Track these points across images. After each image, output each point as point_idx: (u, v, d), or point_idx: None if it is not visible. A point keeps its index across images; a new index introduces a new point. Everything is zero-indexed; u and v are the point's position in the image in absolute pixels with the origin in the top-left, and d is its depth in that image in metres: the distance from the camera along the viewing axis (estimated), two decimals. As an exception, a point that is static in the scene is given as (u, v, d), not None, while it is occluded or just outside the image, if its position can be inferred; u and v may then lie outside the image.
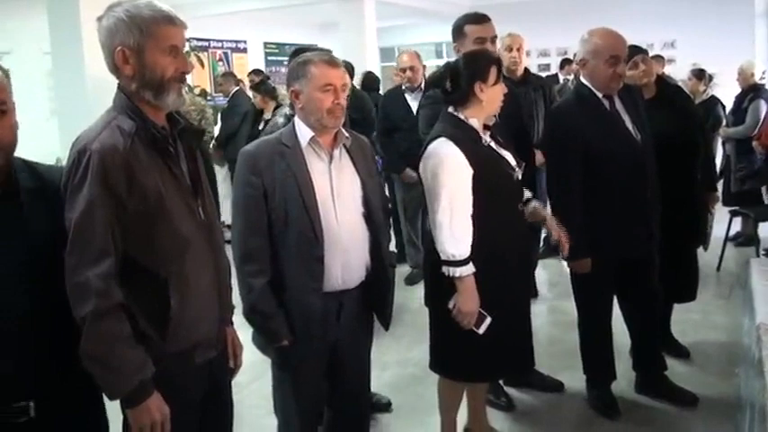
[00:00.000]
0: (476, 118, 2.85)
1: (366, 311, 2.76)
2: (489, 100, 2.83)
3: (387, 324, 2.85)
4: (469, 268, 2.75)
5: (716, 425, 3.45)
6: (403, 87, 5.86)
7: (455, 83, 2.86)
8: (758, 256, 5.80)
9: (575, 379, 3.88)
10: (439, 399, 3.24)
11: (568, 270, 3.53)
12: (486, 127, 2.90)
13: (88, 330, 1.81)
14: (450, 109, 2.89)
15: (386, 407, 3.85)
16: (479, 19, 3.55)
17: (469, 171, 2.75)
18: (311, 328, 2.55)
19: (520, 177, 2.92)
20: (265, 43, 15.30)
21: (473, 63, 2.86)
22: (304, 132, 2.56)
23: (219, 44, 14.08)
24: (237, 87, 8.63)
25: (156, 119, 2.01)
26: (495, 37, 3.58)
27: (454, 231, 2.74)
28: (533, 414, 3.72)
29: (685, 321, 4.59)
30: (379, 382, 4.05)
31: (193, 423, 2.12)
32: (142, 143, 1.93)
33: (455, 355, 2.97)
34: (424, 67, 5.96)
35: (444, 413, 3.24)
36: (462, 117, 2.85)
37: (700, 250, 4.21)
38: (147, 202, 1.91)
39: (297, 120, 2.61)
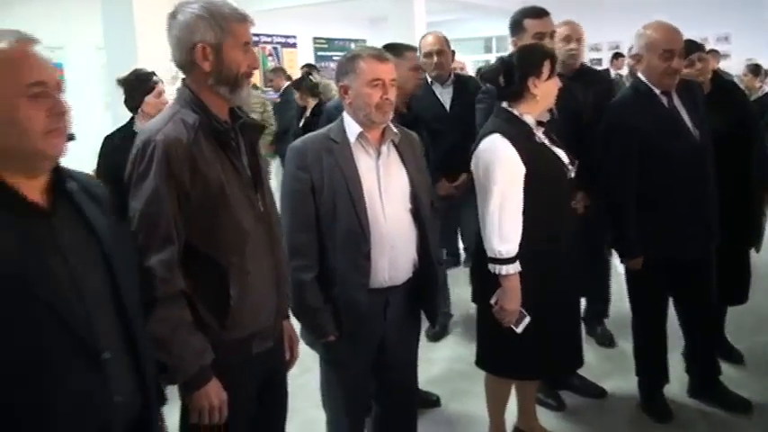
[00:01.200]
0: (530, 114, 2.80)
1: (413, 308, 2.76)
2: (543, 95, 2.79)
3: (434, 321, 2.85)
4: (515, 266, 2.72)
5: (771, 432, 3.36)
6: (429, 79, 4.57)
7: (508, 78, 2.82)
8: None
9: (626, 381, 3.82)
10: (486, 396, 3.23)
11: (622, 269, 3.46)
12: (539, 123, 2.86)
13: (153, 315, 1.87)
14: (504, 104, 2.85)
15: (434, 402, 3.85)
16: (539, 13, 3.50)
17: (522, 169, 2.71)
18: (358, 324, 2.56)
19: (573, 176, 2.87)
20: (315, 38, 15.38)
21: (527, 58, 2.82)
22: (353, 128, 2.56)
23: (269, 39, 14.19)
24: (288, 82, 8.69)
25: (220, 113, 2.06)
26: (554, 32, 3.54)
27: (503, 229, 2.71)
28: (583, 416, 3.67)
29: (739, 325, 4.46)
30: (427, 378, 4.06)
31: (249, 412, 2.16)
32: (205, 136, 1.99)
33: (501, 352, 2.96)
34: (453, 53, 4.92)
35: (492, 410, 3.22)
36: (516, 113, 2.81)
37: (755, 251, 4.11)
38: (209, 194, 1.96)
39: (345, 115, 2.61)
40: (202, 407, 1.98)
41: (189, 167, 1.93)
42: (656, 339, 3.59)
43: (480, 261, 2.86)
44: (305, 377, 2.66)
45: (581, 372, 3.56)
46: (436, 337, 4.68)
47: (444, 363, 4.40)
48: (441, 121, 4.35)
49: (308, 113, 6.93)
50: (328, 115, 3.98)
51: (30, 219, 1.44)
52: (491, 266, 2.75)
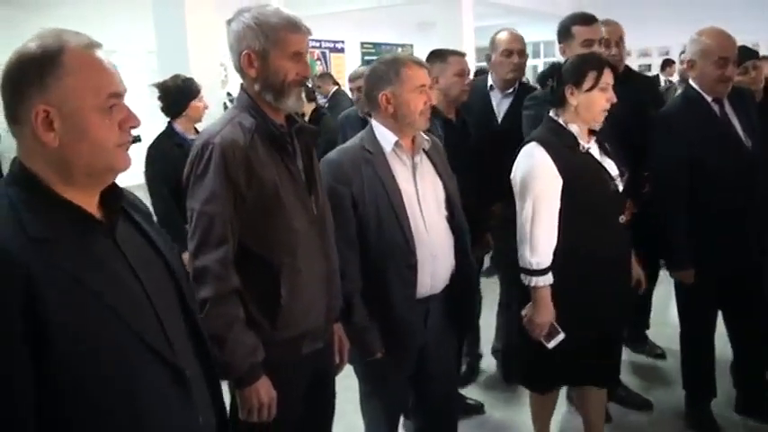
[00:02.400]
0: (575, 123, 2.71)
1: (452, 314, 2.73)
2: (584, 106, 2.67)
3: (471, 327, 2.83)
4: (546, 279, 2.66)
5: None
6: (489, 83, 4.03)
7: (558, 83, 2.75)
8: None
9: (672, 394, 3.77)
10: (531, 406, 3.17)
11: (673, 281, 3.42)
12: (591, 132, 2.77)
13: (208, 312, 1.92)
14: (552, 112, 2.79)
15: (478, 410, 3.83)
16: (587, 20, 3.43)
17: (558, 180, 2.64)
18: (404, 339, 2.55)
19: (621, 188, 2.76)
20: (362, 43, 15.45)
21: (572, 65, 2.74)
22: (387, 137, 2.53)
23: (318, 44, 14.31)
24: (336, 87, 8.72)
25: (276, 118, 2.12)
26: (603, 39, 3.46)
27: (534, 240, 2.66)
28: (628, 428, 3.63)
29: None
30: (470, 385, 4.10)
31: (297, 411, 2.19)
32: (261, 139, 2.05)
33: (531, 364, 2.93)
34: (527, 56, 4.11)
35: (536, 421, 3.16)
36: (561, 121, 2.73)
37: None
38: (264, 195, 2.02)
39: (376, 124, 2.57)
40: (252, 404, 2.03)
41: (245, 169, 1.99)
42: (703, 352, 3.53)
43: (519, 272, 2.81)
44: (348, 381, 2.67)
45: (626, 383, 3.51)
46: (465, 380, 4.11)
47: (486, 370, 4.37)
48: (489, 135, 3.86)
49: (306, 119, 6.84)
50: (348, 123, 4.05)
51: (97, 237, 1.37)
52: (522, 277, 2.72)
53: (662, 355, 4.32)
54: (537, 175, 2.66)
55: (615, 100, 2.69)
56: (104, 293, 1.29)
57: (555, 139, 2.70)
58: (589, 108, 2.68)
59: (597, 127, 2.75)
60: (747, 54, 3.63)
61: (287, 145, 2.12)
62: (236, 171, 1.98)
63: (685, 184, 3.21)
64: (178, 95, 3.96)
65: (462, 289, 2.69)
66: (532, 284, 2.68)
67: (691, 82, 3.36)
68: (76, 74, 1.31)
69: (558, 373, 2.88)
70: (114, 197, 1.43)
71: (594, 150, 2.76)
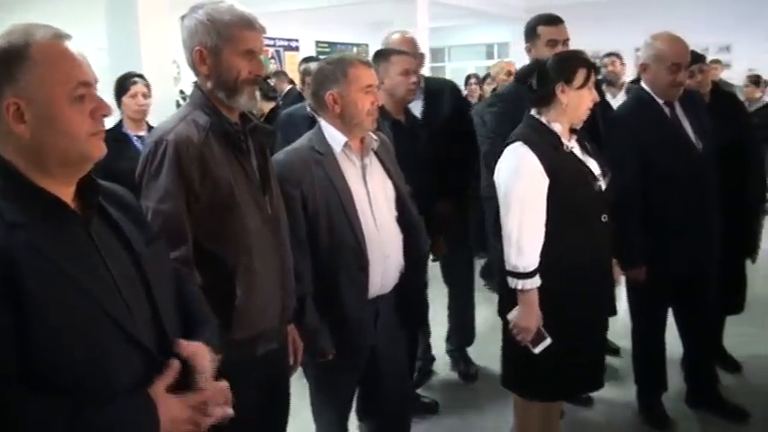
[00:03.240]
0: (558, 122, 2.67)
1: (402, 313, 2.72)
2: (572, 104, 2.64)
3: (420, 325, 2.83)
4: (533, 282, 2.60)
5: (769, 441, 3.38)
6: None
7: (540, 80, 2.70)
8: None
9: (625, 388, 3.83)
10: (515, 418, 3.04)
11: (623, 279, 3.47)
12: (572, 131, 2.74)
13: None
14: (533, 112, 2.73)
15: (432, 408, 3.85)
16: (553, 20, 3.50)
17: (545, 180, 2.59)
18: (355, 339, 2.54)
19: (603, 188, 2.73)
20: (317, 42, 15.40)
21: (561, 62, 2.69)
22: (337, 138, 2.51)
23: (272, 42, 14.21)
24: (291, 86, 8.68)
25: (230, 116, 2.10)
26: (568, 40, 3.50)
27: (521, 242, 2.60)
28: (583, 423, 3.69)
29: (739, 335, 4.47)
30: (425, 384, 4.11)
31: (252, 412, 2.14)
32: (216, 137, 2.03)
33: (532, 373, 2.78)
34: (422, 56, 3.99)
35: None
36: (544, 121, 2.68)
37: (751, 262, 4.14)
38: (218, 194, 1.99)
39: (325, 124, 2.55)
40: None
41: (199, 167, 1.97)
42: (654, 348, 3.61)
43: (505, 276, 2.74)
44: (303, 381, 2.66)
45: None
46: (418, 383, 4.03)
47: (446, 368, 4.39)
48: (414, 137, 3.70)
49: (262, 118, 6.72)
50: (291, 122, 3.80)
51: (72, 226, 1.38)
52: (509, 280, 2.65)
53: (617, 352, 4.36)
54: (523, 175, 2.62)
55: (598, 99, 2.71)
56: (81, 278, 1.32)
57: (539, 139, 2.65)
58: (578, 106, 2.66)
59: (579, 126, 2.74)
60: (695, 58, 3.71)
61: (241, 143, 2.10)
62: (190, 168, 1.96)
63: (638, 185, 3.26)
64: (115, 93, 4.07)
65: (412, 288, 2.69)
66: (519, 287, 2.62)
67: (643, 84, 3.43)
68: (44, 65, 1.33)
69: (552, 382, 2.77)
70: (91, 192, 1.45)
71: (576, 150, 2.73)
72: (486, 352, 3.93)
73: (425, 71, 9.35)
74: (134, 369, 1.38)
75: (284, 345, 2.30)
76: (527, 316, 2.63)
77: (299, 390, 2.55)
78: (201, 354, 1.48)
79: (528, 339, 2.65)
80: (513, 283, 2.63)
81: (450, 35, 16.44)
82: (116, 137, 3.94)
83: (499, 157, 2.74)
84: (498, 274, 2.88)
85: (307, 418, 2.74)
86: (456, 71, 16.23)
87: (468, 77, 7.61)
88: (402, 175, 2.72)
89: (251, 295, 2.05)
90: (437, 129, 3.70)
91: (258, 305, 2.08)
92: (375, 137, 2.60)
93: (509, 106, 3.01)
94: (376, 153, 2.63)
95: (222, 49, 2.01)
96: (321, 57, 15.14)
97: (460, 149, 3.83)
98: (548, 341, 2.64)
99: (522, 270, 2.60)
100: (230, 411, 1.56)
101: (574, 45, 3.76)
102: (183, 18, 2.08)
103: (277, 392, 2.30)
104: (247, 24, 2.04)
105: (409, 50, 3.68)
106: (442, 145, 3.61)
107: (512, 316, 2.67)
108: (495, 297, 2.89)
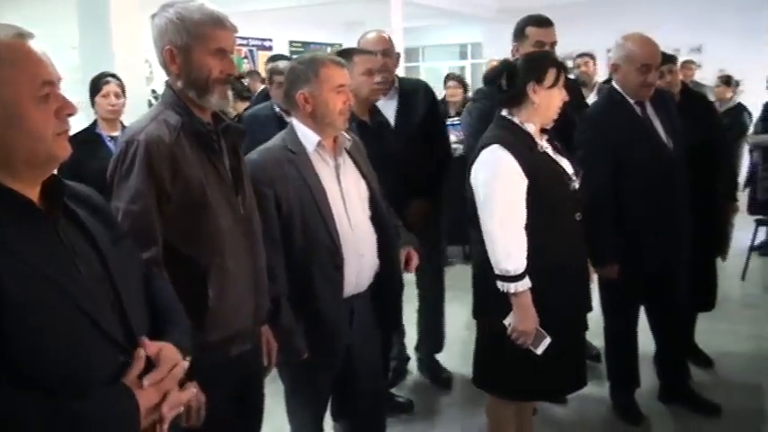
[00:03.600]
0: (531, 123, 2.67)
1: (377, 313, 2.72)
2: (544, 104, 2.64)
3: (395, 325, 2.84)
4: (524, 283, 2.58)
5: (738, 435, 3.43)
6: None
7: (510, 80, 2.69)
8: (785, 265, 5.74)
9: (598, 385, 3.86)
10: (489, 419, 3.04)
11: (596, 277, 3.48)
12: (542, 131, 2.74)
13: None
14: (504, 112, 2.73)
15: (407, 408, 3.85)
16: (542, 22, 3.50)
17: (524, 181, 2.58)
18: (331, 339, 2.53)
19: (577, 187, 2.74)
20: (291, 41, 15.34)
21: (531, 62, 2.71)
22: (310, 137, 2.51)
23: (245, 42, 14.14)
24: (264, 86, 8.66)
25: (202, 115, 2.09)
26: (555, 43, 3.50)
27: (508, 245, 2.58)
28: (556, 419, 3.71)
29: (710, 331, 4.55)
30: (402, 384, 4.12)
31: (226, 415, 2.14)
32: (187, 137, 2.01)
33: (506, 373, 2.77)
34: (398, 56, 3.95)
35: None
36: (517, 121, 2.68)
37: (721, 260, 4.21)
38: (190, 194, 1.98)
39: (297, 124, 2.54)
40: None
41: (170, 167, 1.95)
42: (627, 345, 3.65)
43: (482, 277, 2.75)
44: (277, 382, 2.65)
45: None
46: (392, 383, 4.04)
47: (414, 372, 4.37)
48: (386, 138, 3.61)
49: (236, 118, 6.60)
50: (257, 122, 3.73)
51: (41, 226, 1.37)
52: (500, 285, 2.61)
53: (597, 357, 4.22)
54: (503, 179, 2.60)
55: (567, 98, 2.71)
56: (57, 278, 1.31)
57: (514, 140, 2.64)
58: (549, 106, 2.66)
59: (549, 126, 2.73)
60: (664, 58, 3.75)
61: (213, 143, 2.08)
62: (161, 168, 1.94)
63: (610, 185, 3.28)
64: (89, 92, 4.07)
65: (387, 287, 2.69)
66: (512, 291, 2.59)
67: (614, 84, 3.46)
68: (7, 65, 1.31)
69: (536, 381, 2.76)
70: (57, 192, 1.43)
71: (549, 150, 2.73)
72: (461, 352, 3.92)
73: (399, 71, 9.41)
74: (110, 365, 1.38)
75: (258, 346, 2.28)
76: (524, 319, 2.61)
77: (274, 391, 2.54)
78: (166, 353, 1.46)
79: (529, 342, 2.63)
80: (505, 287, 2.60)
81: (424, 35, 16.45)
82: (88, 137, 3.94)
83: (474, 156, 2.74)
84: (475, 277, 2.86)
85: (282, 419, 2.73)
86: (430, 71, 16.27)
87: (448, 77, 7.40)
88: (375, 174, 2.73)
89: (224, 296, 2.04)
90: (410, 130, 3.68)
91: (231, 306, 2.07)
92: (348, 136, 2.61)
93: (490, 103, 3.01)
94: (349, 152, 2.63)
95: (192, 47, 2.00)
96: (292, 56, 15.14)
97: (433, 151, 3.81)
98: (548, 340, 2.62)
99: (513, 273, 2.58)
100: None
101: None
102: (153, 17, 2.06)
103: (251, 394, 2.28)
104: (218, 23, 2.02)
105: (383, 49, 3.63)
106: (415, 146, 3.59)
107: (508, 321, 2.63)
108: (468, 297, 2.88)
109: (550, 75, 2.64)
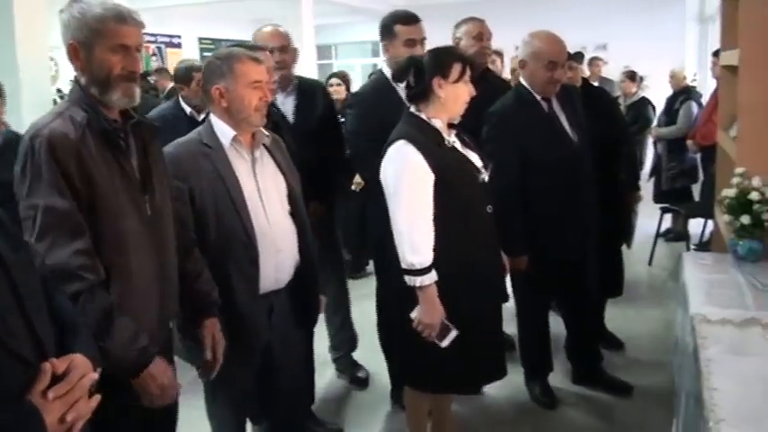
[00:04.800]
0: (438, 118, 2.70)
1: (297, 310, 2.72)
2: (450, 98, 2.67)
3: (314, 322, 2.85)
4: (431, 277, 2.61)
5: (651, 412, 3.59)
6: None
7: (416, 77, 2.71)
8: (688, 250, 6.00)
9: (513, 372, 3.94)
10: (406, 411, 3.11)
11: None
12: (451, 126, 2.77)
13: (83, 305, 1.85)
14: (413, 109, 2.75)
15: None
16: (410, 19, 3.43)
17: (431, 176, 2.61)
18: (248, 334, 2.51)
19: (486, 179, 2.77)
20: (200, 38, 15.10)
21: (436, 57, 2.71)
22: (226, 132, 2.50)
23: (153, 38, 13.84)
24: (173, 83, 8.50)
25: (109, 112, 2.04)
26: (425, 39, 3.46)
27: (414, 239, 2.60)
28: (472, 406, 3.77)
29: (620, 315, 4.76)
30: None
31: (136, 419, 2.10)
32: (93, 135, 1.96)
33: (421, 366, 2.82)
34: (296, 51, 3.89)
35: (412, 426, 3.08)
36: (424, 117, 2.70)
37: (626, 247, 4.39)
38: (94, 193, 1.93)
39: (215, 119, 2.54)
40: (152, 389, 2.00)
41: (76, 164, 1.90)
42: (539, 332, 3.77)
43: (396, 272, 2.72)
44: (193, 387, 2.62)
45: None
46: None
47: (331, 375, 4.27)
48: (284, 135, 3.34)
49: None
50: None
51: None
52: (406, 278, 2.64)
53: (512, 346, 4.22)
54: (410, 174, 2.62)
55: (475, 93, 2.73)
56: None
57: (422, 136, 2.66)
58: (456, 100, 2.68)
59: (457, 120, 2.75)
60: (572, 56, 3.87)
61: (119, 141, 2.03)
62: (68, 165, 1.89)
63: (518, 179, 3.35)
64: None
65: (306, 284, 2.69)
66: (417, 284, 2.61)
67: (521, 80, 3.54)
68: None
69: (452, 373, 2.79)
70: None
71: (457, 144, 2.76)
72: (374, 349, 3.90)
73: (312, 69, 9.37)
74: (17, 381, 1.33)
75: (166, 348, 2.22)
76: (429, 312, 2.64)
77: (192, 399, 2.50)
78: (76, 363, 1.42)
79: (434, 335, 2.65)
80: (411, 280, 2.62)
81: (336, 32, 16.45)
82: None
83: (362, 158, 2.74)
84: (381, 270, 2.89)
85: (200, 427, 2.71)
86: (343, 68, 16.27)
87: (330, 77, 7.19)
88: (297, 173, 2.72)
89: (126, 298, 1.98)
90: (308, 128, 3.57)
91: (134, 308, 2.01)
92: (266, 132, 2.59)
93: (365, 108, 3.05)
94: (268, 149, 2.62)
95: (94, 43, 1.97)
96: (202, 53, 14.87)
97: (330, 151, 3.73)
98: (454, 333, 2.65)
99: (418, 267, 2.60)
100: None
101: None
102: (60, 12, 2.02)
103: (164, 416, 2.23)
104: (120, 18, 1.97)
105: (280, 46, 3.53)
106: (312, 145, 3.46)
107: (414, 314, 2.66)
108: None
109: (455, 69, 2.67)
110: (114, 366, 1.87)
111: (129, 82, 2.02)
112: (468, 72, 2.71)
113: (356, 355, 4.23)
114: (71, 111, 1.98)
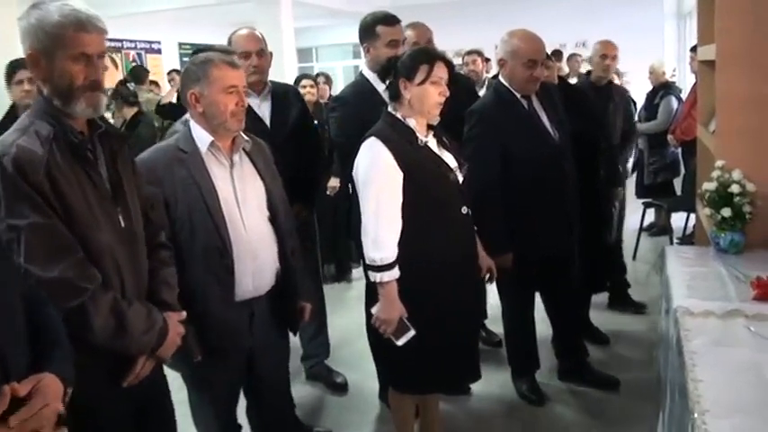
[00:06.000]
0: (413, 118, 2.71)
1: (278, 317, 2.71)
2: (415, 100, 2.67)
3: (296, 329, 2.85)
4: (391, 274, 2.62)
5: (638, 405, 3.61)
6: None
7: (394, 77, 2.73)
8: (671, 244, 6.05)
9: (501, 369, 3.98)
10: (392, 412, 3.12)
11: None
12: (429, 127, 2.77)
13: (92, 312, 1.85)
14: (390, 108, 2.77)
15: None
16: (391, 20, 3.43)
17: (399, 173, 2.63)
18: (223, 340, 2.50)
19: (460, 179, 2.77)
20: (180, 44, 15.03)
21: (405, 59, 2.71)
22: (203, 137, 2.48)
23: (133, 44, 13.78)
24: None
25: (75, 123, 1.95)
26: (405, 39, 3.49)
27: (378, 235, 2.62)
28: (460, 404, 3.78)
29: (605, 311, 4.78)
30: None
31: (128, 427, 2.08)
32: (60, 149, 1.88)
33: (400, 366, 2.82)
34: (270, 54, 3.70)
35: (399, 426, 3.08)
36: (400, 116, 2.72)
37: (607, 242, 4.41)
38: (67, 207, 1.86)
39: (193, 124, 2.52)
40: (172, 348, 2.11)
41: (47, 180, 1.83)
42: (525, 329, 3.78)
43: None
44: (181, 394, 2.60)
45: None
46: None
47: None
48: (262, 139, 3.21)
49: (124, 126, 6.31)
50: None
51: None
52: (369, 274, 2.68)
53: (499, 343, 4.33)
54: (378, 169, 2.64)
55: (448, 94, 2.72)
56: None
57: (393, 134, 2.68)
58: (422, 101, 2.68)
59: (435, 121, 2.75)
60: (552, 54, 3.89)
61: (87, 154, 1.96)
62: (41, 183, 1.81)
63: (499, 177, 3.36)
64: None
65: (287, 292, 2.67)
66: (378, 280, 2.63)
67: (501, 79, 3.55)
68: None
69: (424, 374, 2.80)
70: None
71: (432, 144, 2.76)
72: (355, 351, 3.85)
73: (293, 72, 9.34)
74: None
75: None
76: (388, 308, 2.65)
77: (180, 405, 2.49)
78: (45, 384, 1.41)
79: (390, 331, 2.67)
80: (373, 276, 2.65)
81: (317, 35, 16.45)
82: None
83: (347, 161, 2.76)
84: (365, 273, 2.88)
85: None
86: (325, 71, 16.25)
87: (300, 78, 7.04)
88: (279, 179, 2.70)
89: None
90: (285, 131, 3.54)
91: None
92: (246, 137, 2.57)
93: (346, 110, 3.07)
94: (249, 154, 2.60)
95: (53, 52, 1.86)
96: (182, 58, 14.78)
97: (309, 152, 3.71)
98: (411, 333, 2.66)
99: (379, 263, 2.62)
100: None
101: (438, 43, 3.84)
102: (19, 20, 1.92)
103: (156, 414, 2.23)
104: (79, 25, 1.86)
105: (257, 50, 3.49)
106: (289, 148, 3.43)
107: (375, 309, 2.69)
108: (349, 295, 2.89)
109: (421, 71, 2.66)
110: (137, 353, 1.98)
111: (94, 91, 1.92)
112: (440, 74, 2.69)
113: (345, 358, 4.22)
114: (36, 125, 1.89)
